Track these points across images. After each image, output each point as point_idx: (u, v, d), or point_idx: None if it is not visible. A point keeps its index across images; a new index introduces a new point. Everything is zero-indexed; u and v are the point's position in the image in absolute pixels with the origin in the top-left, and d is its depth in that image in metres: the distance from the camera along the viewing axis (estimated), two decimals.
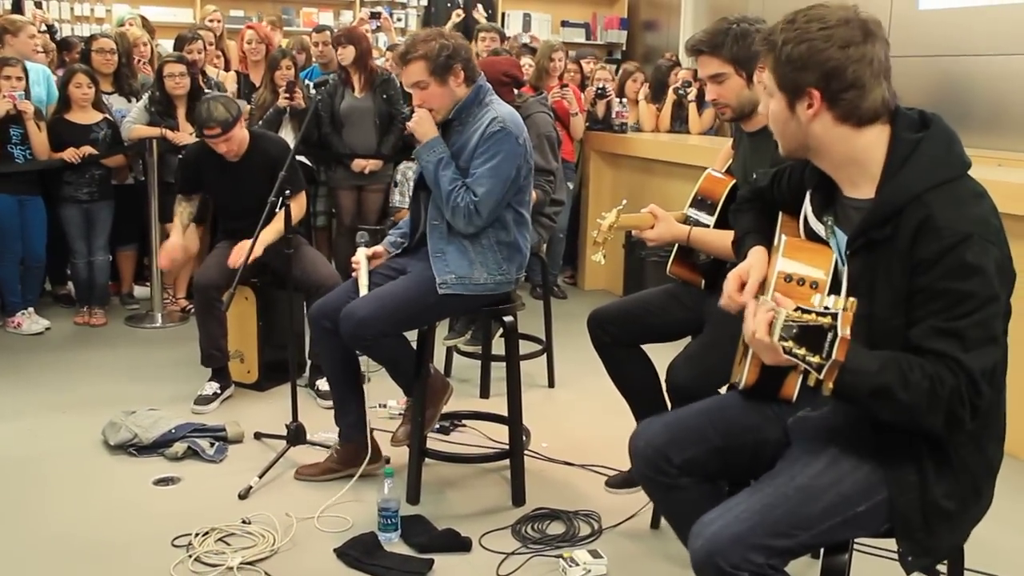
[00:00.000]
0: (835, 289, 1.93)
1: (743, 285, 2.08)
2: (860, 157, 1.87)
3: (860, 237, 1.86)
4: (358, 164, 5.67)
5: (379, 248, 3.45)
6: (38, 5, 7.35)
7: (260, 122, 5.53)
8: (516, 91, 4.62)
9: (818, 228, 2.01)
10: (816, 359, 1.60)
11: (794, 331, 1.62)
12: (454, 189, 3.15)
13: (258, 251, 3.93)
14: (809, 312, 1.61)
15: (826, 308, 1.60)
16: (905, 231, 1.78)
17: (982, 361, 1.72)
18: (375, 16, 6.95)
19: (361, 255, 3.36)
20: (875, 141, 1.85)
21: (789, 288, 1.91)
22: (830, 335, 1.58)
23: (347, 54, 5.59)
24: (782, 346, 1.64)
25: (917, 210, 1.77)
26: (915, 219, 1.77)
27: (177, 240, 4.45)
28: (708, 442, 2.10)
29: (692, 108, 6.73)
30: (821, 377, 1.61)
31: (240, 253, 3.77)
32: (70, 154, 5.32)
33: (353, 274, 3.34)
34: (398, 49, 3.19)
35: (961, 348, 1.71)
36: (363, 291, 3.23)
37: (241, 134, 4.25)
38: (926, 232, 1.75)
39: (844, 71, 1.80)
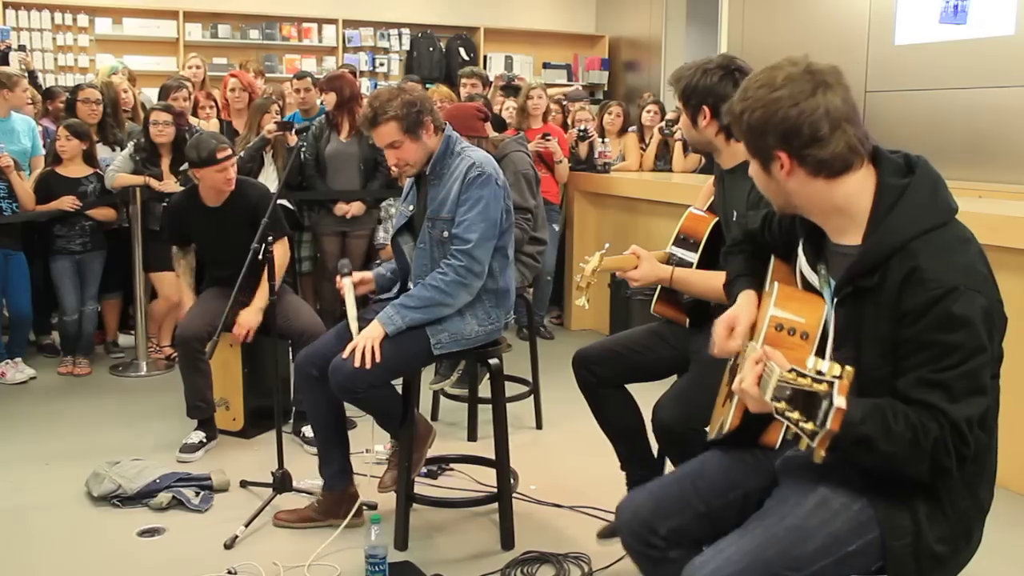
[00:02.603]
0: (825, 339, 1.92)
1: (732, 332, 2.09)
2: (844, 206, 1.87)
3: (846, 285, 1.85)
4: (340, 208, 5.68)
5: (367, 274, 3.41)
6: (22, 48, 7.37)
7: (242, 152, 5.54)
8: (496, 133, 4.65)
9: (813, 278, 2.01)
10: (810, 426, 1.56)
11: (787, 393, 1.60)
12: (432, 290, 3.12)
13: (255, 319, 4.02)
14: (804, 376, 1.58)
15: (820, 373, 1.57)
16: (891, 281, 1.78)
17: (968, 411, 1.71)
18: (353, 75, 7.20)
19: (347, 283, 3.29)
20: (859, 188, 1.85)
21: (780, 337, 1.91)
22: (825, 403, 1.54)
23: (328, 100, 5.66)
24: (775, 407, 1.62)
25: (904, 260, 1.77)
26: (902, 269, 1.76)
27: (189, 302, 4.44)
28: (692, 508, 2.08)
29: (678, 148, 6.77)
30: (814, 445, 1.57)
31: (240, 326, 3.87)
32: (69, 201, 5.33)
33: (340, 291, 3.29)
34: (364, 114, 3.18)
35: (947, 399, 1.71)
36: (352, 323, 3.19)
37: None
38: (912, 283, 1.75)
39: (800, 128, 1.80)
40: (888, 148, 1.92)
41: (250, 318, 4.06)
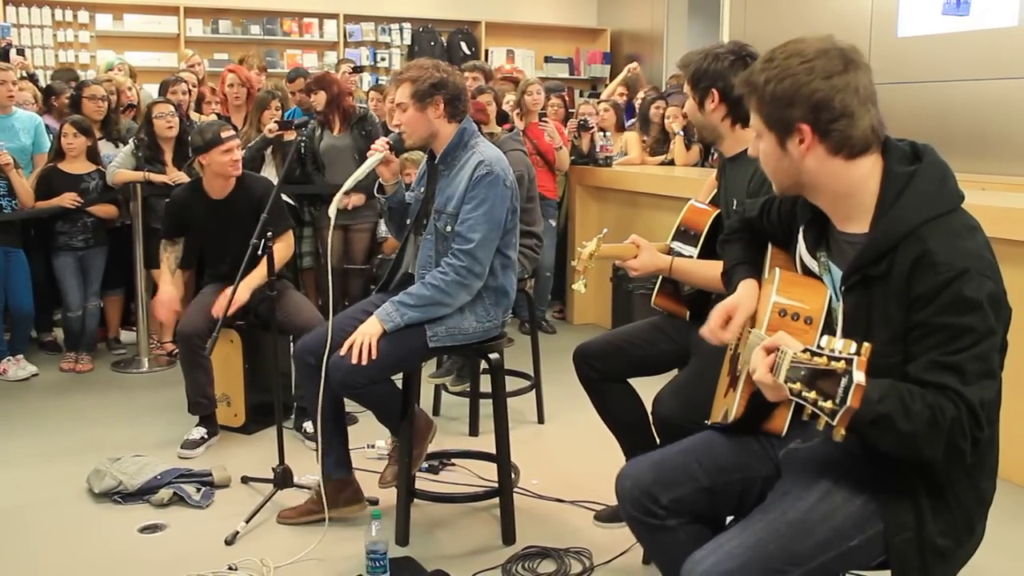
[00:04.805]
0: (828, 324, 1.91)
1: (729, 320, 2.07)
2: (854, 191, 1.85)
3: (855, 273, 1.84)
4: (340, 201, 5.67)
5: (396, 161, 3.36)
6: (20, 52, 7.36)
7: (244, 150, 5.52)
8: (499, 126, 4.65)
9: (812, 264, 1.99)
10: (829, 405, 1.54)
11: (802, 373, 1.58)
12: (432, 289, 3.11)
13: (244, 295, 3.92)
14: (820, 355, 1.57)
15: (837, 351, 1.55)
16: (900, 267, 1.76)
17: (981, 394, 1.70)
18: (358, 70, 7.20)
19: (382, 152, 3.24)
20: (868, 174, 1.84)
21: (783, 322, 1.90)
22: (844, 380, 1.53)
23: (318, 100, 5.70)
24: (789, 388, 1.60)
25: (912, 245, 1.75)
26: (911, 254, 1.75)
27: (170, 290, 4.40)
28: (695, 482, 2.07)
29: (679, 141, 6.73)
30: (834, 423, 1.55)
31: (224, 301, 3.74)
32: (70, 198, 5.33)
33: (368, 154, 3.29)
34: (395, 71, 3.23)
35: (961, 381, 1.69)
36: (355, 176, 3.21)
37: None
38: (923, 267, 1.73)
39: (831, 101, 1.78)
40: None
41: (240, 292, 3.86)
